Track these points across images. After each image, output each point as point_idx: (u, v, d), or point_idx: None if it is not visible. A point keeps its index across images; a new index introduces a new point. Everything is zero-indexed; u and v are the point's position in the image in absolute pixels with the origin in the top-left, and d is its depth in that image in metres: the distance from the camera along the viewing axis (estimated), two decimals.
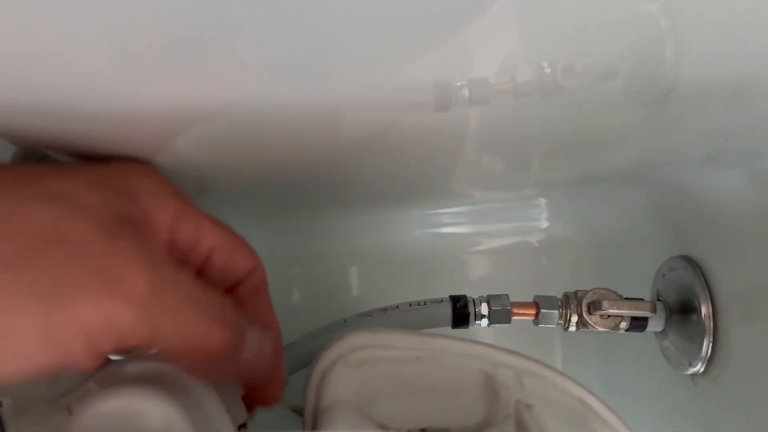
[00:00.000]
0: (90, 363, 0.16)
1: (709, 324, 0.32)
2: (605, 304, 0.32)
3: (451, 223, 0.51)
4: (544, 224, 0.48)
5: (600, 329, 0.33)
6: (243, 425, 0.23)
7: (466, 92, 0.27)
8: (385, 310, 0.34)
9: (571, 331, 0.34)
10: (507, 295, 0.34)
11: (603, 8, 0.22)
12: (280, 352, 0.24)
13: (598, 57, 0.25)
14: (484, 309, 0.34)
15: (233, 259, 0.22)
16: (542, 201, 0.47)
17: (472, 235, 0.50)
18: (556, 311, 0.33)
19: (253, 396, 0.24)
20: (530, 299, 0.35)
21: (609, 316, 0.33)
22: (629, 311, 0.32)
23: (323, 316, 0.49)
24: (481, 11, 0.21)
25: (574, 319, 0.33)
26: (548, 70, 0.25)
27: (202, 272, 0.22)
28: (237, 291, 0.23)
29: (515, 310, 0.34)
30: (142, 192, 0.20)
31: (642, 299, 0.33)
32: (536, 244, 0.48)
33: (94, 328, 0.16)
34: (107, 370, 0.20)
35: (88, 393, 0.19)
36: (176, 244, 0.20)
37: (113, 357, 0.22)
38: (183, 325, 0.18)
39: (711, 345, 0.32)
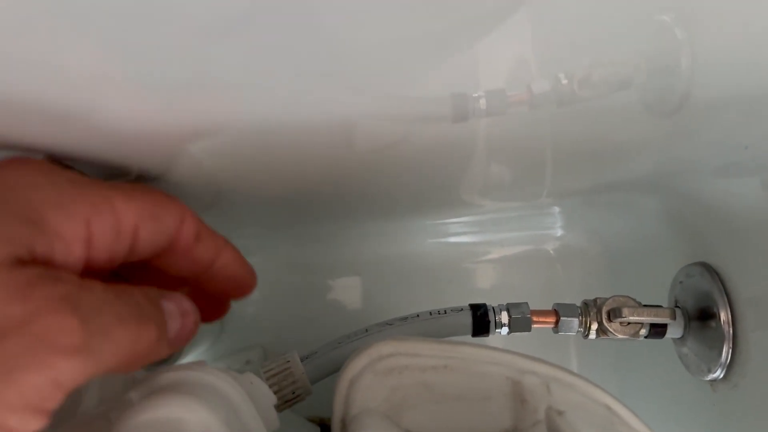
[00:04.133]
0: (41, 423, 0.16)
1: (729, 330, 0.32)
2: (625, 311, 0.32)
3: (465, 232, 0.51)
4: (559, 233, 0.48)
5: (620, 336, 0.33)
6: None
7: (483, 103, 0.27)
8: (405, 318, 0.34)
9: (591, 339, 0.34)
10: (527, 303, 0.34)
11: (618, 19, 0.22)
12: (239, 260, 0.26)
13: (614, 67, 0.25)
14: (504, 317, 0.34)
15: (159, 222, 0.21)
16: (557, 210, 0.47)
17: (487, 244, 0.50)
18: (576, 319, 0.34)
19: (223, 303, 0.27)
20: (547, 307, 0.35)
21: (629, 323, 0.33)
22: (649, 318, 0.33)
23: (338, 325, 0.50)
24: (498, 24, 0.21)
25: (594, 326, 0.33)
26: (564, 81, 0.26)
27: (133, 250, 0.21)
28: (176, 246, 0.22)
29: (535, 318, 0.34)
30: (42, 207, 0.18)
31: (661, 306, 0.34)
32: (551, 253, 0.49)
33: (44, 393, 0.16)
34: (147, 380, 0.20)
35: (128, 404, 0.19)
36: (96, 244, 0.19)
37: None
38: (116, 344, 0.17)
39: (731, 351, 0.32)
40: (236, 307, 0.51)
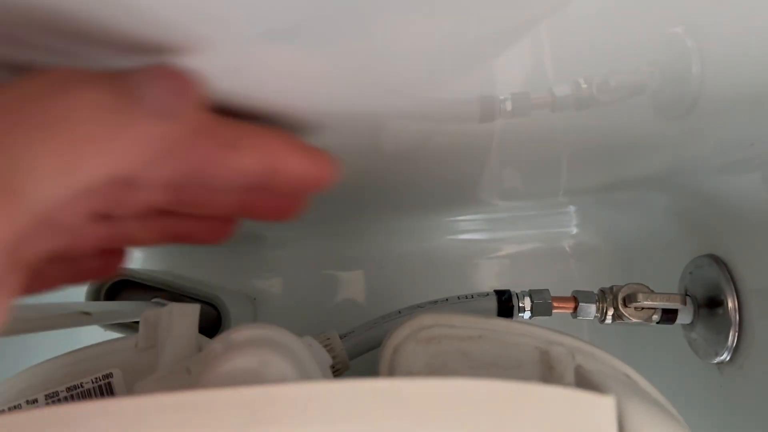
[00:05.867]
0: None
1: (735, 316, 0.35)
2: (640, 296, 0.35)
3: (482, 229, 0.54)
4: (574, 230, 0.51)
5: (634, 320, 0.36)
6: None
7: (508, 105, 0.30)
8: (435, 302, 0.37)
9: (607, 323, 0.37)
10: (548, 289, 0.37)
11: (634, 31, 0.24)
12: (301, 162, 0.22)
13: (630, 74, 0.28)
14: (527, 303, 0.37)
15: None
16: (572, 208, 0.50)
17: (504, 241, 0.53)
18: (594, 305, 0.36)
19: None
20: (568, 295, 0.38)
21: (643, 308, 0.36)
22: (661, 303, 0.35)
23: (358, 315, 0.52)
24: (524, 34, 0.24)
25: (610, 312, 0.36)
26: (584, 86, 0.28)
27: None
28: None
29: (556, 304, 0.37)
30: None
31: (673, 293, 0.36)
32: (567, 249, 0.51)
33: None
34: (224, 336, 0.23)
35: (212, 354, 0.22)
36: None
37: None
38: None
39: (737, 335, 0.35)
40: (263, 298, 0.54)
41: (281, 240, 0.56)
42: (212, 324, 0.47)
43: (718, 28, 0.23)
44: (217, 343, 0.23)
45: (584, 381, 0.22)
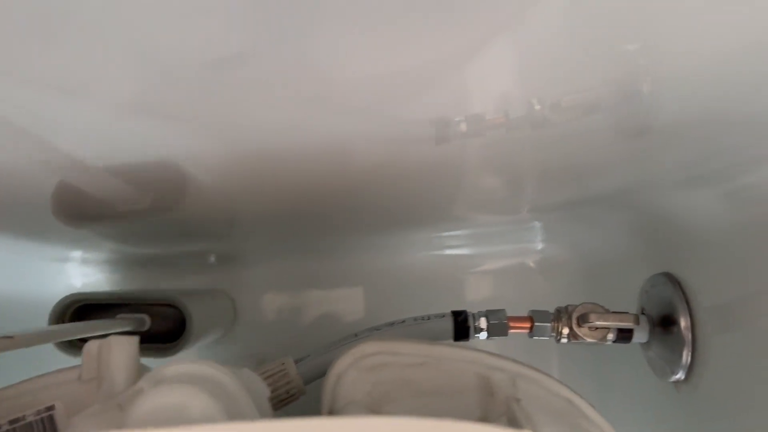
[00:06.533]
0: None
1: (688, 335, 0.35)
2: (592, 316, 0.35)
3: (452, 246, 0.54)
4: (539, 246, 0.51)
5: (589, 340, 0.36)
6: None
7: (463, 127, 0.30)
8: (392, 324, 0.37)
9: (564, 343, 0.37)
10: (504, 310, 0.37)
11: (587, 49, 0.24)
12: None
13: (582, 94, 0.28)
14: (482, 323, 0.37)
15: None
16: (537, 224, 0.50)
17: (473, 257, 0.53)
18: (549, 324, 0.36)
19: None
20: (525, 314, 0.38)
21: (597, 328, 0.36)
22: (614, 323, 0.35)
23: (337, 332, 0.52)
24: (476, 56, 0.24)
25: (565, 331, 0.36)
26: (537, 107, 0.29)
27: None
28: None
29: (511, 324, 0.37)
30: None
31: (626, 312, 0.36)
32: (532, 265, 0.51)
33: None
34: (155, 373, 0.23)
35: (139, 392, 0.22)
36: None
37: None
38: None
39: (690, 354, 0.35)
40: (243, 315, 0.54)
41: (257, 258, 0.56)
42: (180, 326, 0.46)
43: (671, 48, 0.23)
44: (144, 381, 0.23)
45: (512, 413, 0.22)
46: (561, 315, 0.36)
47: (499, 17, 0.21)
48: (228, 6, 0.18)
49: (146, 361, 0.28)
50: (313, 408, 0.37)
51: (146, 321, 0.41)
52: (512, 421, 0.22)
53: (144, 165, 0.30)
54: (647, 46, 0.23)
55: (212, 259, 0.56)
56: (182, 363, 0.23)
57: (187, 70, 0.22)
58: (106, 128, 0.26)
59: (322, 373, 0.35)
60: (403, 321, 0.37)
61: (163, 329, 0.43)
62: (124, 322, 0.40)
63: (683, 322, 0.35)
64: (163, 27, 0.18)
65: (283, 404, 0.34)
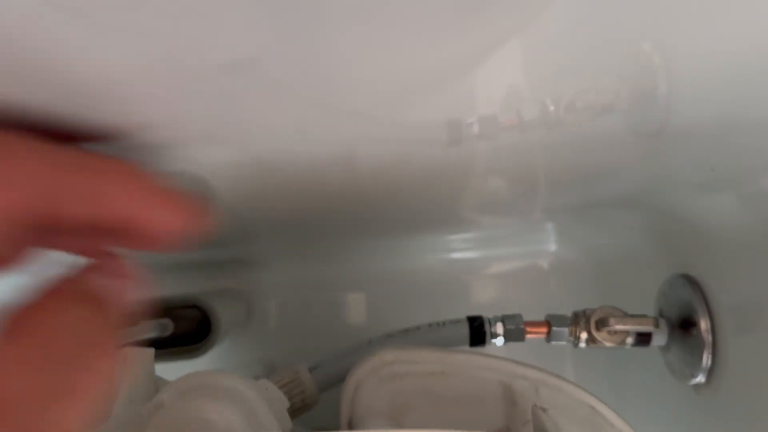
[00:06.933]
0: None
1: (708, 337, 0.34)
2: (611, 320, 0.35)
3: (462, 249, 0.54)
4: (552, 248, 0.51)
5: (608, 345, 0.35)
6: None
7: (476, 128, 0.30)
8: (406, 331, 0.37)
9: (582, 347, 0.36)
10: (520, 314, 0.37)
11: (600, 47, 0.23)
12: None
13: (597, 93, 0.28)
14: (499, 328, 0.36)
15: None
16: (550, 226, 0.50)
17: (484, 260, 0.53)
18: (567, 329, 0.36)
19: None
20: (542, 319, 0.37)
21: (616, 332, 0.35)
22: (634, 327, 0.35)
23: (345, 337, 0.52)
24: (489, 56, 0.24)
25: (584, 336, 0.36)
26: (551, 107, 0.28)
27: None
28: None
29: (528, 329, 0.36)
30: None
31: (645, 315, 0.36)
32: (545, 267, 0.51)
33: None
34: (175, 383, 0.23)
35: (160, 405, 0.22)
36: None
37: None
38: None
39: (711, 357, 0.34)
40: (250, 319, 0.53)
41: (262, 263, 0.56)
42: (202, 327, 0.45)
43: (687, 47, 0.23)
44: (164, 393, 0.22)
45: (540, 423, 0.22)
46: (579, 319, 0.36)
47: (512, 15, 0.20)
48: (234, 7, 0.17)
49: (172, 365, 0.27)
50: (329, 417, 0.36)
51: (169, 326, 0.41)
52: (536, 427, 0.21)
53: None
54: (663, 44, 0.23)
55: (218, 263, 0.55)
56: (202, 375, 0.23)
57: (201, 75, 0.21)
58: None
59: (336, 381, 0.35)
60: (418, 328, 0.37)
61: (184, 331, 0.42)
62: (146, 327, 0.39)
63: (703, 324, 0.35)
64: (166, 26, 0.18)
65: (298, 413, 0.34)
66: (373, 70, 0.23)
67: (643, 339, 0.36)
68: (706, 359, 0.35)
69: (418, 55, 0.22)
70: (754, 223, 0.33)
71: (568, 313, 0.37)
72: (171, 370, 0.28)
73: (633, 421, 0.29)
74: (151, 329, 0.38)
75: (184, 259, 0.52)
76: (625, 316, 0.35)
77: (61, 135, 0.19)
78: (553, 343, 0.37)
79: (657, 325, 0.35)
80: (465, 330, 0.36)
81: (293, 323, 0.54)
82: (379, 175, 0.36)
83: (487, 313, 0.38)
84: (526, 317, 0.37)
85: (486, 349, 0.37)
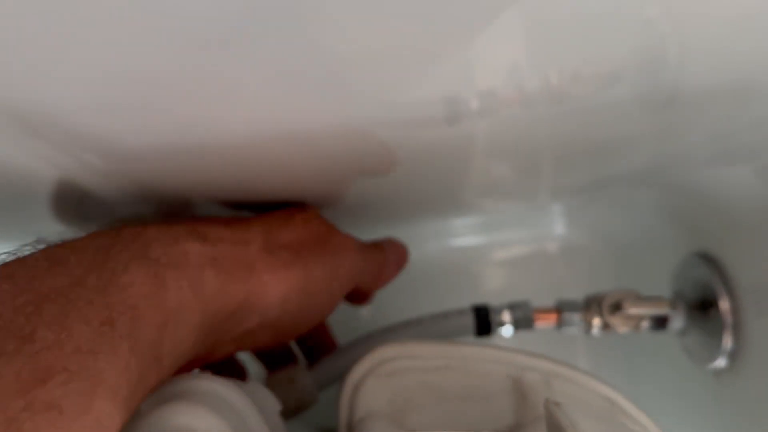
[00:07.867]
0: None
1: (729, 318, 0.32)
2: (626, 304, 0.33)
3: (467, 234, 0.52)
4: (560, 230, 0.49)
5: (622, 330, 0.33)
6: None
7: (475, 104, 0.28)
8: (408, 323, 0.35)
9: (594, 335, 0.34)
10: (528, 301, 0.35)
11: (605, 15, 0.22)
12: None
13: (603, 63, 0.26)
14: (506, 317, 0.34)
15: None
16: (557, 207, 0.48)
17: (490, 245, 0.51)
18: (577, 314, 0.34)
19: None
20: (551, 305, 0.35)
21: (630, 316, 0.33)
22: (650, 309, 0.33)
23: (346, 329, 0.50)
24: (486, 26, 0.22)
25: (597, 321, 0.34)
26: (555, 79, 0.26)
27: None
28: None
29: (537, 316, 0.34)
30: None
31: (661, 297, 0.34)
32: (553, 251, 0.49)
33: None
34: (156, 392, 0.21)
35: (139, 415, 0.20)
36: None
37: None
38: None
39: (733, 339, 0.33)
40: None
41: None
42: None
43: (695, 11, 0.21)
44: (147, 400, 0.20)
45: (554, 419, 0.20)
46: (591, 304, 0.34)
47: None
48: None
49: None
50: (327, 417, 0.35)
51: None
52: (554, 428, 0.19)
53: None
54: (671, 10, 0.21)
55: None
56: (184, 379, 0.21)
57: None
58: None
59: (335, 379, 0.33)
60: (420, 319, 0.35)
61: None
62: None
63: (724, 305, 0.33)
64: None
65: (295, 414, 0.32)
66: (366, 43, 0.22)
67: (660, 322, 0.34)
68: (727, 341, 0.33)
69: (411, 26, 0.21)
70: None
71: (580, 297, 0.36)
72: None
73: (649, 408, 0.27)
74: None
75: None
76: (641, 298, 0.33)
77: None
78: (565, 330, 0.35)
79: (674, 307, 0.33)
80: (470, 320, 0.34)
81: None
82: None
83: (493, 300, 0.36)
84: (537, 303, 0.35)
85: (493, 339, 0.35)
